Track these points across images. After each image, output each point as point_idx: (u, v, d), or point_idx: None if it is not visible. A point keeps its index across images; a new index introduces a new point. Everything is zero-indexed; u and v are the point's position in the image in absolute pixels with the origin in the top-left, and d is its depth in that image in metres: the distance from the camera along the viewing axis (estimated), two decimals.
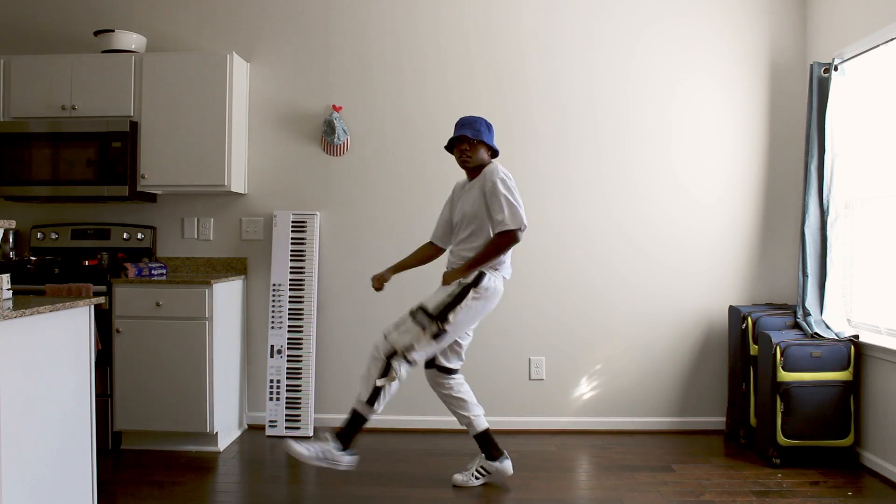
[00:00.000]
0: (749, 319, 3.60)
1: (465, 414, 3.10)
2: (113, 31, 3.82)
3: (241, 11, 4.04)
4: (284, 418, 3.85)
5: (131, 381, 3.51)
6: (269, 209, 4.03)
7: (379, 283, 3.15)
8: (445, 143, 3.10)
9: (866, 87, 3.52)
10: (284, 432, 3.83)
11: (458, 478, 3.12)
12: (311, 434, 3.83)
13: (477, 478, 3.11)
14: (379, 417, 3.98)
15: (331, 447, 2.89)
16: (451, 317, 2.87)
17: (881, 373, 3.24)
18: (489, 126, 3.03)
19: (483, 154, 3.00)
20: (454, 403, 3.11)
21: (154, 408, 3.51)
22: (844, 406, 3.32)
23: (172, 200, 4.06)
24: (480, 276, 2.92)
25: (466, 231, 3.01)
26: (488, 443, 3.11)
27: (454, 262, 3.04)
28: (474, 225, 2.99)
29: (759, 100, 3.96)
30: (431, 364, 3.12)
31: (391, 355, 2.86)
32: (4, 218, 2.29)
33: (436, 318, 2.86)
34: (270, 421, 3.87)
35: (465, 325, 2.98)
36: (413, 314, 2.90)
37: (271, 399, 3.88)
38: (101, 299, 2.61)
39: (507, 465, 3.12)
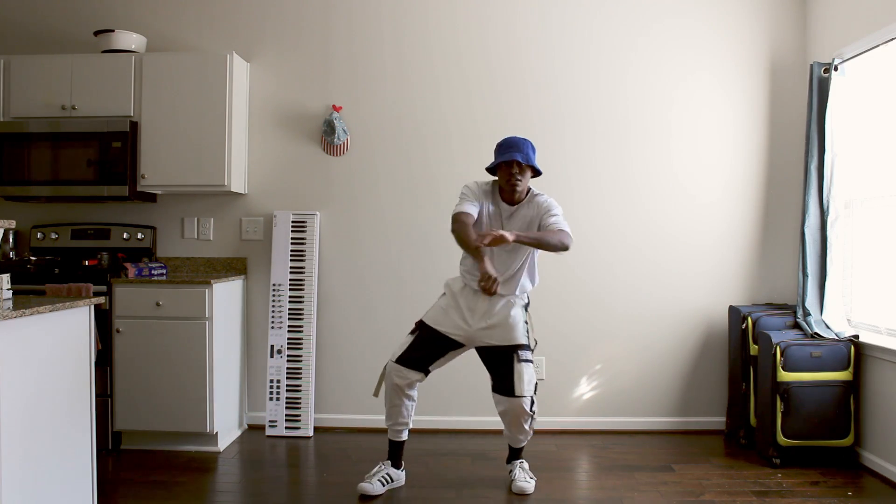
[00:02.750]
0: (749, 319, 3.60)
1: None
2: (113, 31, 3.82)
3: (241, 11, 4.04)
4: (284, 418, 3.85)
5: (131, 381, 3.51)
6: (269, 209, 4.03)
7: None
8: (489, 164, 2.99)
9: (866, 87, 3.52)
10: (284, 432, 3.83)
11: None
12: (311, 434, 3.84)
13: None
14: (379, 417, 3.98)
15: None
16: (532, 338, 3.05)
17: (881, 373, 3.24)
18: (534, 148, 2.99)
19: (528, 177, 2.96)
20: None
21: (154, 408, 3.50)
22: (844, 406, 3.32)
23: (172, 200, 4.06)
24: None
25: (504, 256, 2.95)
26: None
27: (490, 324, 2.96)
28: (515, 254, 2.95)
29: (759, 100, 3.96)
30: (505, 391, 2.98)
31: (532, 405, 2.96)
32: (4, 218, 2.29)
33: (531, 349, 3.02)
34: (270, 421, 3.87)
35: None
36: (516, 357, 2.92)
37: (271, 399, 3.88)
38: (101, 299, 2.61)
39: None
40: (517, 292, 3.01)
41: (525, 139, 2.98)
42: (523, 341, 2.95)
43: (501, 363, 2.94)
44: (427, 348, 2.99)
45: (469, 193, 2.99)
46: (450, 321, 2.98)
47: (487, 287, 2.76)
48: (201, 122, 3.71)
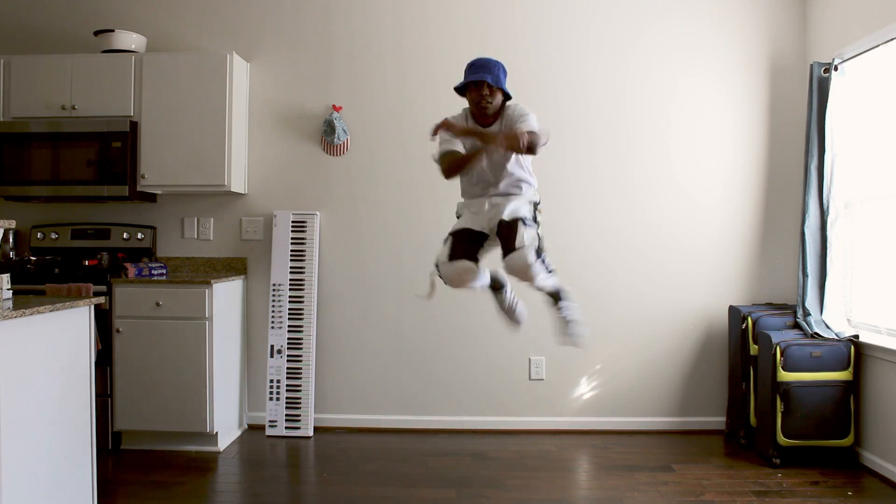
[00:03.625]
0: (749, 319, 3.60)
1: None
2: (113, 31, 3.82)
3: (241, 11, 4.04)
4: (284, 418, 3.85)
5: (131, 381, 3.51)
6: (269, 209, 4.03)
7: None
8: (457, 84, 2.90)
9: (866, 87, 3.52)
10: (284, 432, 3.83)
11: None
12: (311, 434, 3.84)
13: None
14: (379, 417, 3.99)
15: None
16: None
17: (881, 373, 3.24)
18: (505, 71, 2.92)
19: (499, 100, 2.89)
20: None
21: (154, 408, 3.51)
22: (844, 406, 3.32)
23: (172, 200, 4.06)
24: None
25: (500, 177, 2.91)
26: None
27: (495, 206, 2.91)
28: (505, 169, 2.90)
29: (759, 99, 3.96)
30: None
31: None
32: (4, 218, 2.29)
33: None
34: (270, 421, 3.87)
35: None
36: (521, 224, 2.80)
37: (271, 399, 3.88)
38: (101, 299, 2.61)
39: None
40: (519, 184, 2.93)
41: (497, 61, 2.91)
42: (527, 214, 2.87)
43: (508, 230, 2.84)
44: (466, 243, 2.91)
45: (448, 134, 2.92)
46: (470, 219, 2.93)
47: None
48: (201, 122, 3.71)
